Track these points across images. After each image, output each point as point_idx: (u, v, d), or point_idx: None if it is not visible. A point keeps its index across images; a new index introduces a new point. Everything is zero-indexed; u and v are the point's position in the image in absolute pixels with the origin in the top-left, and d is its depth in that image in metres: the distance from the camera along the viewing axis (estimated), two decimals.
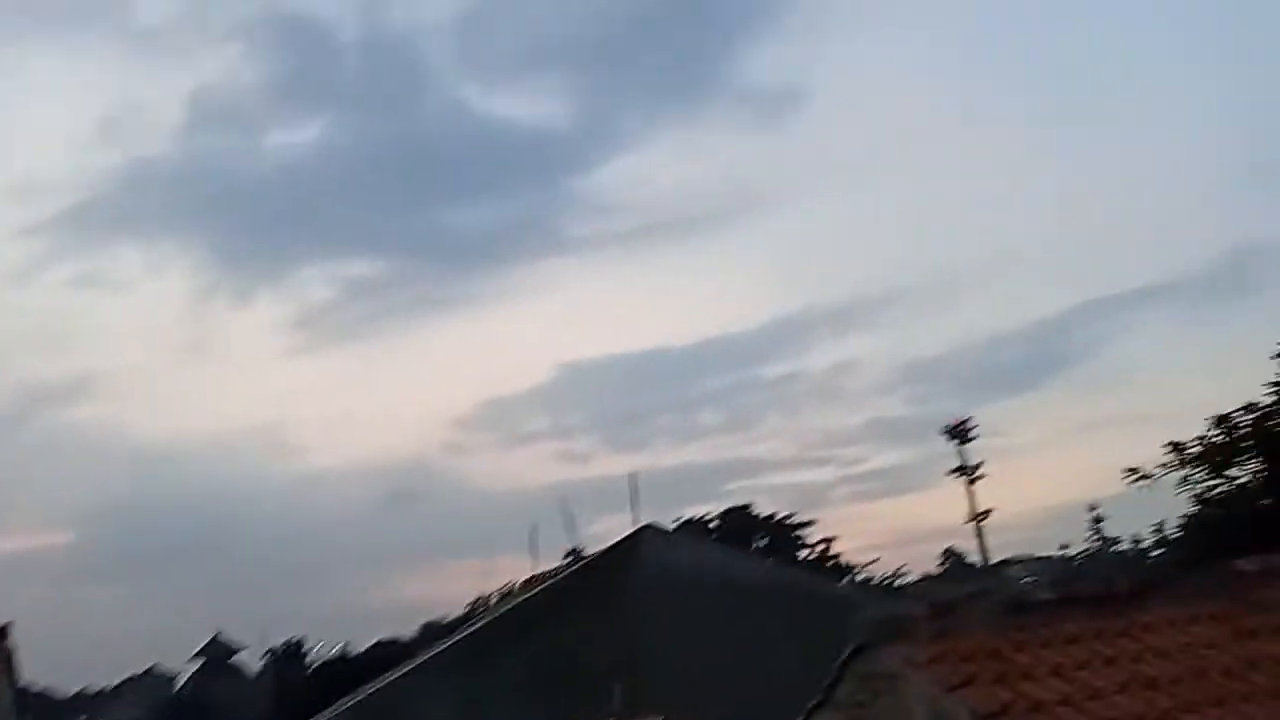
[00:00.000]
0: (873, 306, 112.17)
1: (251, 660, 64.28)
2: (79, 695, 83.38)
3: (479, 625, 18.93)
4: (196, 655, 70.54)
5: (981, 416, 51.17)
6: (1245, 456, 24.52)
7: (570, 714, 14.80)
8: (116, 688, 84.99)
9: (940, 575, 63.00)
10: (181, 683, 74.97)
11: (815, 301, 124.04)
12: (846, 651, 11.41)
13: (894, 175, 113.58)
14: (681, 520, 49.87)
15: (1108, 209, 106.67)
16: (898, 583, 54.35)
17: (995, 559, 50.10)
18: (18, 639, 29.54)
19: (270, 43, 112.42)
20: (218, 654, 68.38)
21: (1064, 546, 52.08)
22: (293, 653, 59.45)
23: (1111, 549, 45.50)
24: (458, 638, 18.11)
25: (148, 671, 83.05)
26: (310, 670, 55.64)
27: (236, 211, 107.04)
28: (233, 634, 67.12)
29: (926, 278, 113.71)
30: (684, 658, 16.21)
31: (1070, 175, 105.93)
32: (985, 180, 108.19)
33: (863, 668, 9.75)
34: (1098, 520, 44.53)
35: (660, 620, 16.70)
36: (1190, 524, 25.70)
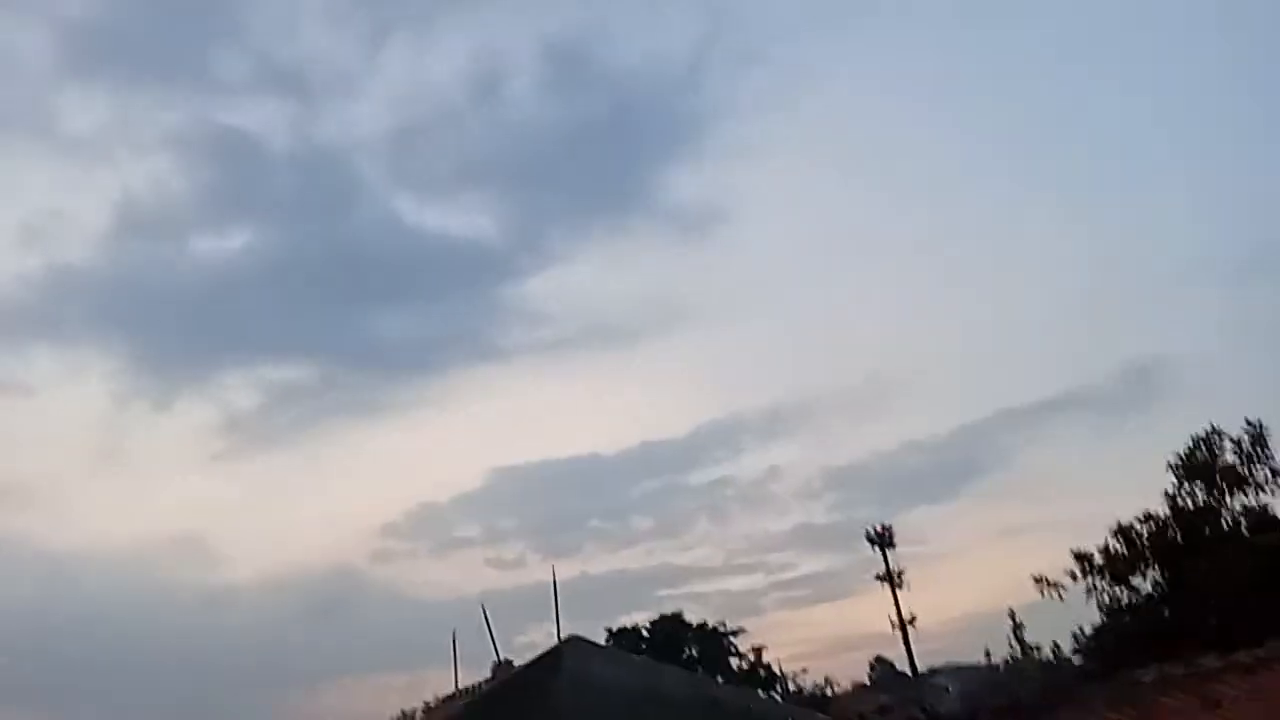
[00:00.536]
0: (796, 414, 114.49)
1: None
2: None
3: None
4: None
5: (903, 523, 52.43)
6: (1145, 566, 25.77)
7: None
8: None
9: (870, 685, 62.90)
10: None
11: (740, 409, 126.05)
12: None
13: (813, 289, 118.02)
14: (613, 630, 49.50)
15: (1017, 321, 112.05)
16: (828, 692, 54.24)
17: (923, 667, 50.41)
18: None
19: (200, 153, 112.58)
20: None
21: (987, 654, 52.70)
22: None
23: (1032, 657, 46.27)
24: None
25: None
26: None
27: (159, 317, 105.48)
28: None
29: (846, 387, 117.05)
30: None
31: (983, 289, 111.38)
32: (901, 294, 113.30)
33: None
34: (1018, 628, 45.39)
35: None
36: (1098, 633, 26.66)
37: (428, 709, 37.86)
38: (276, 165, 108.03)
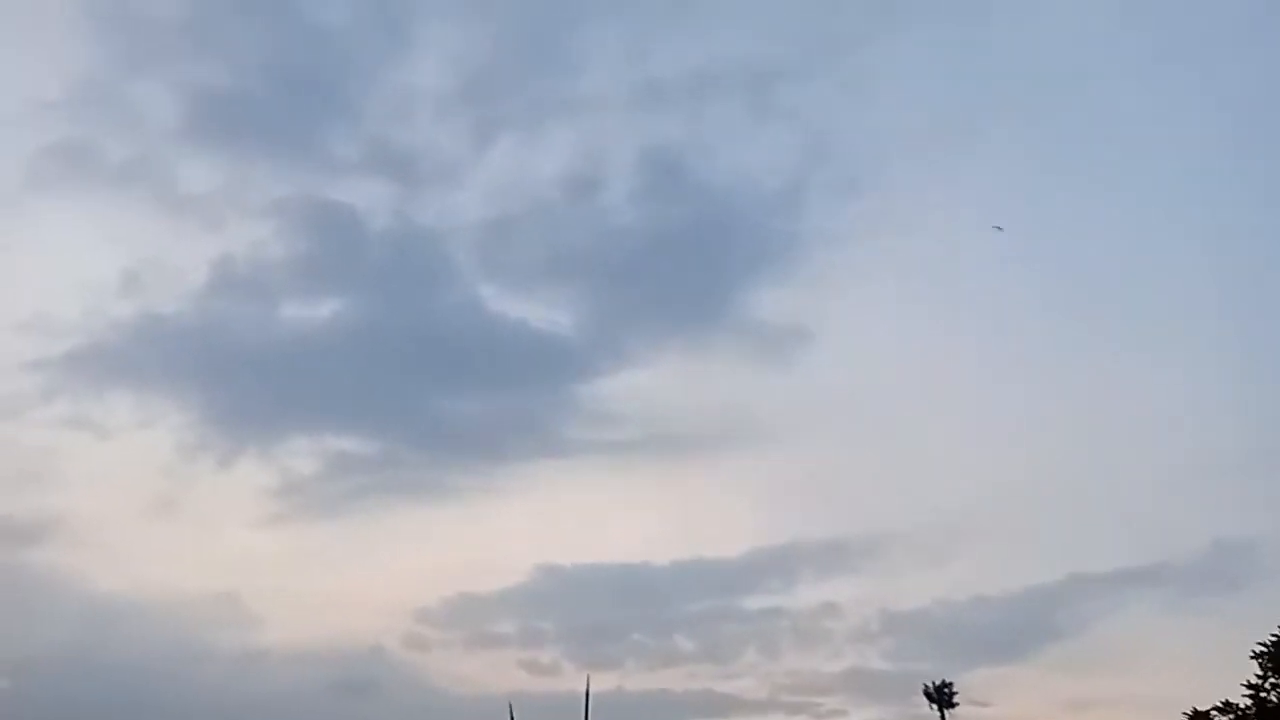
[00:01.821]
0: (859, 550, 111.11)
1: None
2: None
3: None
4: None
5: (963, 681, 49.94)
6: None
7: None
8: None
9: None
10: None
11: (801, 537, 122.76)
12: None
13: (891, 424, 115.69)
14: None
15: (1100, 485, 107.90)
16: None
17: None
18: None
19: (302, 223, 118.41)
20: None
21: None
22: None
23: None
24: None
25: None
26: None
27: (238, 375, 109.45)
28: None
29: (915, 529, 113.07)
30: None
31: (1068, 448, 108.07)
32: (983, 441, 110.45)
33: None
34: None
35: None
36: None
37: None
38: (373, 242, 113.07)
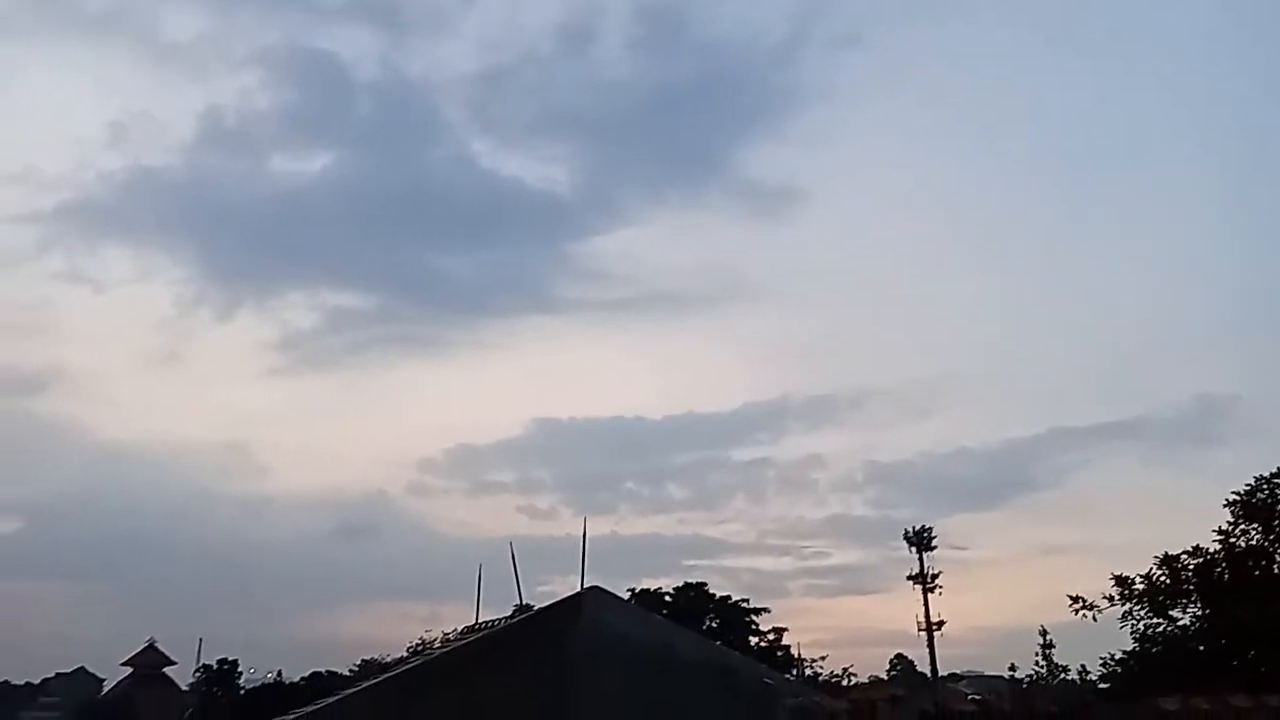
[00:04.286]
0: (847, 404, 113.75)
1: (183, 674, 63.08)
2: (3, 685, 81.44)
3: (415, 665, 19.07)
4: (127, 662, 69.07)
5: (943, 527, 51.75)
6: (1187, 600, 25.04)
7: None
8: (41, 683, 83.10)
9: (888, 681, 62.61)
10: (109, 687, 73.34)
11: (791, 392, 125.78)
12: None
13: (880, 281, 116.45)
14: (636, 591, 49.91)
15: (1087, 343, 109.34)
16: (844, 683, 54.16)
17: (944, 671, 49.97)
18: None
19: (289, 73, 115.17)
20: (149, 663, 66.98)
21: (1012, 668, 51.98)
22: (226, 672, 58.59)
23: (1059, 677, 45.49)
24: (392, 674, 18.23)
25: (75, 671, 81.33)
26: (242, 692, 54.76)
27: (231, 230, 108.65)
28: (167, 646, 65.96)
29: (902, 384, 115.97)
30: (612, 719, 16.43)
31: (1054, 305, 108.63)
32: (970, 298, 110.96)
33: None
34: (1047, 646, 44.59)
35: (594, 681, 16.94)
36: (1128, 661, 26.03)
37: (446, 639, 38.75)
38: (361, 94, 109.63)
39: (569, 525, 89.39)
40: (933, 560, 44.87)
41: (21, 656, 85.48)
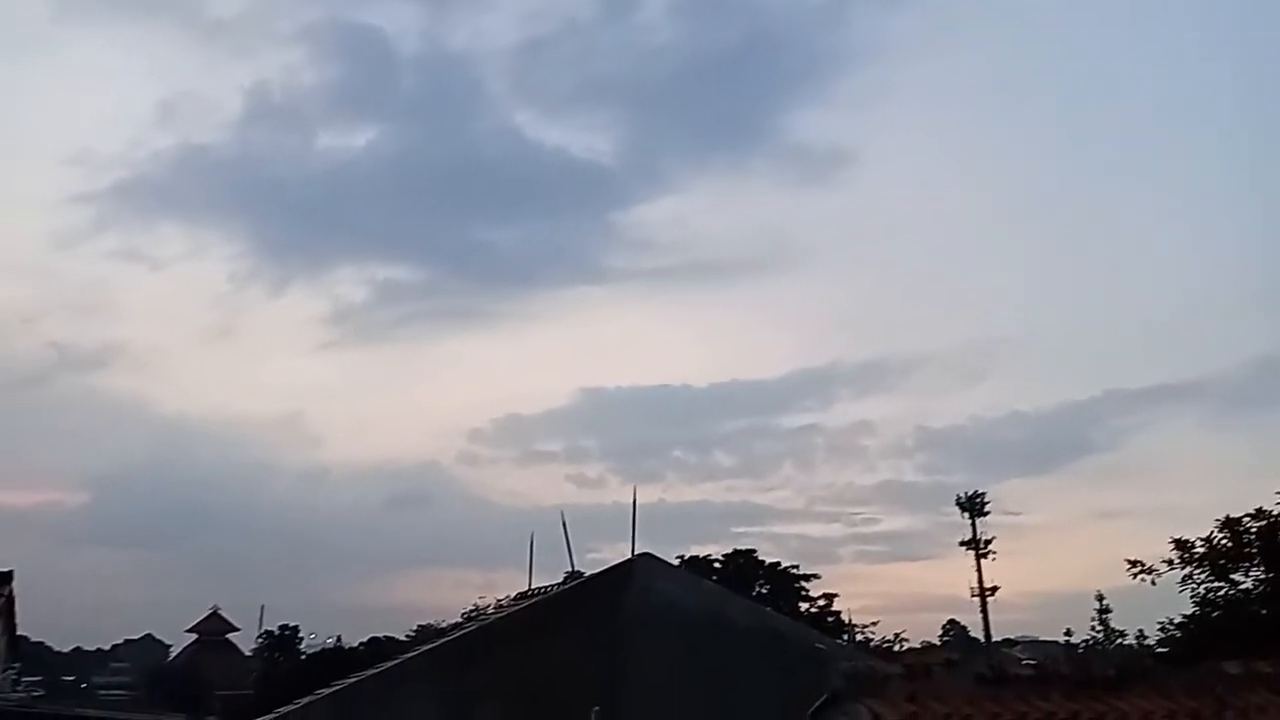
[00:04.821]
0: (897, 370, 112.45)
1: (246, 640, 65.00)
2: (74, 651, 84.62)
3: (470, 630, 19.38)
4: (192, 628, 71.36)
5: (996, 492, 51.08)
6: (1249, 563, 24.52)
7: None
8: (111, 649, 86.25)
9: (941, 646, 62.36)
10: (175, 653, 75.85)
11: (840, 359, 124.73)
12: (820, 699, 11.75)
13: (932, 245, 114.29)
14: (685, 558, 50.11)
15: (1143, 303, 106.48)
16: (896, 648, 53.98)
17: (998, 637, 49.64)
18: (20, 590, 30.36)
19: (333, 49, 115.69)
20: (213, 629, 69.19)
21: (1068, 633, 51.29)
22: (287, 639, 60.12)
23: (1115, 641, 44.85)
24: (449, 639, 18.57)
25: (143, 638, 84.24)
26: (303, 657, 56.21)
27: (281, 206, 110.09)
28: (230, 613, 67.99)
29: (953, 348, 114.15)
30: (665, 686, 16.56)
31: (1110, 267, 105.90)
32: (1023, 261, 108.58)
33: (834, 716, 10.13)
34: (1104, 611, 43.92)
35: (646, 647, 17.06)
36: (1188, 625, 25.61)
37: (499, 605, 39.32)
38: (404, 68, 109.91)
39: (617, 493, 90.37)
40: (985, 525, 44.40)
41: (93, 624, 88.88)
